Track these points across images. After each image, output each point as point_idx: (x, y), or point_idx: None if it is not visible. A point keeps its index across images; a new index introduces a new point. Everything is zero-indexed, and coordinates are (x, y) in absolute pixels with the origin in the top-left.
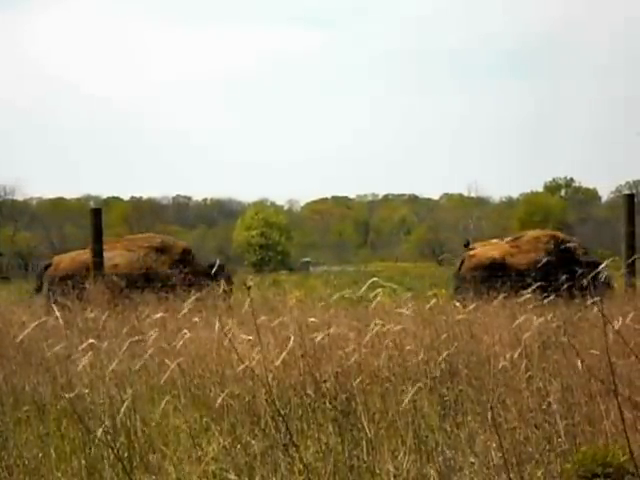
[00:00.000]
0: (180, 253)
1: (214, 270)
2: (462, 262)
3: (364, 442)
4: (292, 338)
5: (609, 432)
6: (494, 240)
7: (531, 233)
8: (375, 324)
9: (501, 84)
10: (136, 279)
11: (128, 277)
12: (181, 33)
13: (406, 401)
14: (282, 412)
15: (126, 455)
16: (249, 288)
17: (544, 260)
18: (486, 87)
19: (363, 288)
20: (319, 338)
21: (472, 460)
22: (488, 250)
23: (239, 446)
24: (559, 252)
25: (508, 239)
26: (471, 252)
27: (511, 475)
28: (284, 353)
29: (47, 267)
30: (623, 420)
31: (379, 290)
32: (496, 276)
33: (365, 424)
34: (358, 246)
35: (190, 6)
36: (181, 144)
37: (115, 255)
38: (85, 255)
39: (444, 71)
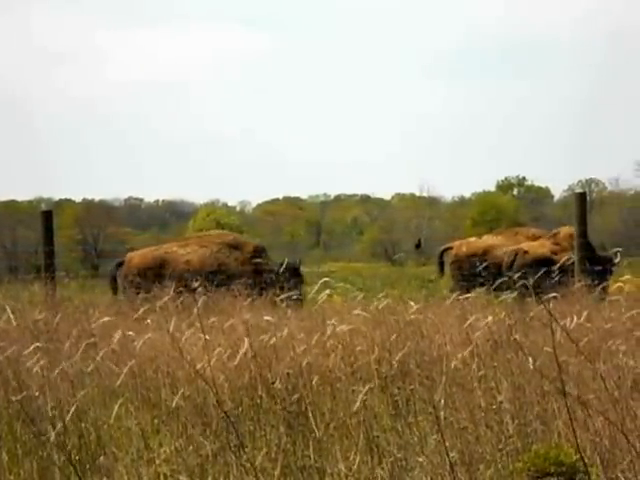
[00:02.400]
0: (252, 251)
1: (282, 269)
2: (514, 259)
3: (315, 443)
4: (245, 340)
5: (562, 431)
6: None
7: (565, 230)
8: (326, 325)
9: (454, 83)
10: (209, 275)
11: (201, 273)
12: (132, 34)
13: (357, 402)
14: (233, 413)
15: (77, 457)
16: (194, 290)
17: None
18: (442, 87)
19: (314, 289)
20: (270, 339)
21: (423, 460)
22: (537, 247)
23: (191, 448)
24: (588, 249)
25: (550, 234)
26: (524, 249)
27: (462, 475)
28: (238, 355)
29: (119, 265)
30: (571, 420)
31: (327, 291)
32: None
33: (316, 425)
34: (311, 247)
35: (141, 7)
36: (134, 145)
37: (188, 251)
38: (157, 251)
39: (394, 70)
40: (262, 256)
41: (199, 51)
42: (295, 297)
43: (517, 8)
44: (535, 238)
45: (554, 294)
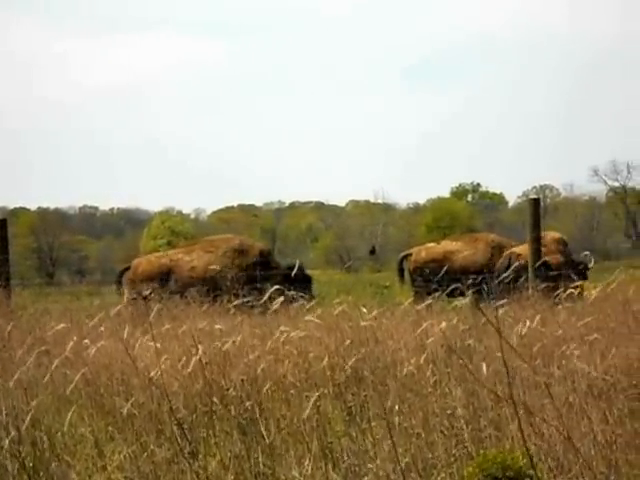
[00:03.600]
0: (258, 255)
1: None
2: (509, 263)
3: (268, 449)
4: (199, 347)
5: (515, 436)
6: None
7: (551, 235)
8: (280, 331)
9: (408, 91)
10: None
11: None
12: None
13: (309, 408)
14: (187, 420)
15: (31, 465)
16: (145, 298)
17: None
18: (394, 92)
19: (266, 295)
20: (223, 346)
21: (377, 466)
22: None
23: (144, 455)
24: (567, 253)
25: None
26: (517, 252)
27: None
28: (192, 361)
29: (124, 271)
30: (520, 424)
31: (281, 298)
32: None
33: (269, 431)
34: None
35: (95, 16)
36: (88, 154)
37: (193, 258)
38: (163, 258)
39: (348, 78)
40: (268, 259)
41: (155, 59)
42: (307, 297)
43: (464, 15)
44: (495, 244)
45: (504, 300)
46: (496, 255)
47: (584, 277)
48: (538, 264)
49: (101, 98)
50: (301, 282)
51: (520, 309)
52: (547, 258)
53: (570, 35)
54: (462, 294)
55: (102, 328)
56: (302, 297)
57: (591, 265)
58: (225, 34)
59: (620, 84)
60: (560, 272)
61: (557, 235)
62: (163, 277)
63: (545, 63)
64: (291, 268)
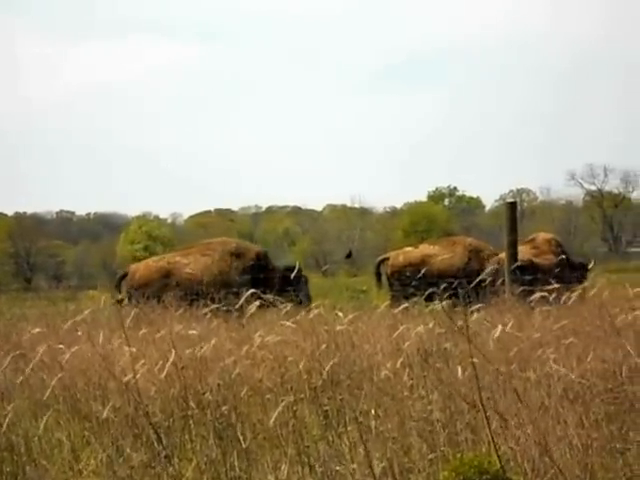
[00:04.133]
0: (254, 258)
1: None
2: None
3: (244, 453)
4: (173, 351)
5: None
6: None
7: (542, 235)
8: (256, 336)
9: (383, 95)
10: (212, 285)
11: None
12: (62, 48)
13: (278, 411)
14: (163, 424)
15: (8, 470)
16: (120, 302)
17: (557, 260)
18: (367, 99)
19: (242, 300)
20: (200, 350)
21: (353, 470)
22: (521, 253)
23: (121, 459)
24: (561, 254)
25: (527, 240)
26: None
27: None
28: (168, 365)
29: (123, 277)
30: (489, 427)
31: (257, 303)
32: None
33: (245, 435)
34: None
35: (71, 21)
36: (65, 159)
37: (190, 261)
38: (161, 262)
39: (324, 82)
40: (265, 262)
41: (131, 63)
42: (303, 299)
43: (442, 19)
44: (472, 247)
45: (479, 305)
46: (474, 259)
47: (584, 278)
48: (514, 267)
49: (77, 102)
50: (298, 284)
51: (497, 313)
52: (538, 260)
53: (548, 38)
54: (439, 298)
55: (79, 332)
56: (300, 299)
57: (590, 266)
58: (198, 37)
59: (598, 88)
60: (555, 274)
61: (549, 236)
62: (162, 281)
63: (523, 67)
64: (289, 270)
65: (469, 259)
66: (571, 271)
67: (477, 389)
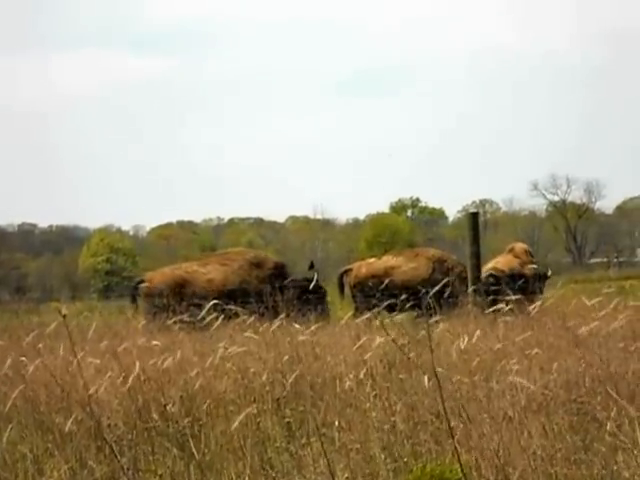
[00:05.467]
0: (273, 268)
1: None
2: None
3: (207, 465)
4: (137, 363)
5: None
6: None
7: (520, 245)
8: (219, 348)
9: (346, 105)
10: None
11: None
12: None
13: (239, 420)
14: (126, 436)
15: None
16: (64, 316)
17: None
18: (333, 106)
19: (204, 311)
20: (163, 362)
21: None
22: (508, 263)
23: (84, 471)
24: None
25: (506, 251)
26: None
27: None
28: (131, 377)
29: (139, 283)
30: (453, 437)
31: (215, 314)
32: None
33: (208, 447)
34: None
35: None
36: (27, 171)
37: (210, 270)
38: (177, 270)
39: (286, 91)
40: (283, 273)
41: (90, 75)
42: (321, 311)
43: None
44: (436, 258)
45: (438, 317)
46: (437, 270)
47: (543, 287)
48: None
49: (35, 114)
50: (316, 296)
51: (460, 324)
52: (524, 269)
53: (511, 49)
54: (402, 309)
55: (40, 345)
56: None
57: (549, 274)
58: (157, 49)
59: (559, 99)
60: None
61: (524, 246)
62: (178, 290)
63: (483, 78)
64: (308, 281)
65: (433, 270)
66: (537, 281)
67: (441, 399)
